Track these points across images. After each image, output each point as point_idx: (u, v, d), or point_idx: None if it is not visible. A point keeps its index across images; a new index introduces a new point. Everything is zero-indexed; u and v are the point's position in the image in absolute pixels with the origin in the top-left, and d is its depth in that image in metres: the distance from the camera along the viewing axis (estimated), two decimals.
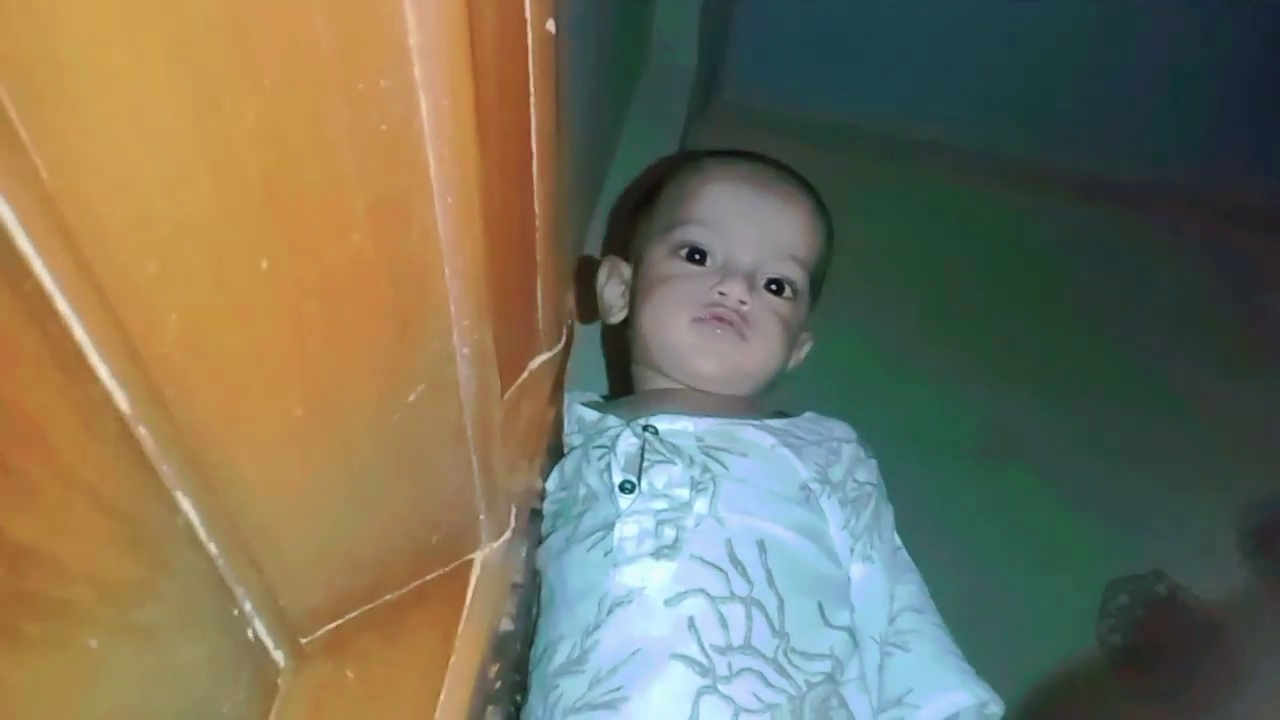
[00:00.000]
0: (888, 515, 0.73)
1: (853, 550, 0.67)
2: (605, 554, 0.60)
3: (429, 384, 0.40)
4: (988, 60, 1.58)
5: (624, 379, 0.84)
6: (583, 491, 0.65)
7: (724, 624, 0.57)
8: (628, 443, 0.65)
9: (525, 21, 0.43)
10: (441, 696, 0.46)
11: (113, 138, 0.24)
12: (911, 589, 0.72)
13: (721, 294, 0.71)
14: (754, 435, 0.67)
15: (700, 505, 0.61)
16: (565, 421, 0.74)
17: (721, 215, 0.74)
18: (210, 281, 0.28)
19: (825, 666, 0.59)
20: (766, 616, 0.58)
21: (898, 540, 0.74)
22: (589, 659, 0.57)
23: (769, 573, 0.60)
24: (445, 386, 0.41)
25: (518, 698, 0.64)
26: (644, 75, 1.39)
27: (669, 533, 0.59)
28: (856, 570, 0.67)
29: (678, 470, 0.62)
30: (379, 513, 0.42)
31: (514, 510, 0.53)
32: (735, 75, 1.62)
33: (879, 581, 0.67)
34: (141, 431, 0.26)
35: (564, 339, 0.60)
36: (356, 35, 0.28)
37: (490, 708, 0.57)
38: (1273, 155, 1.64)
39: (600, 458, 0.65)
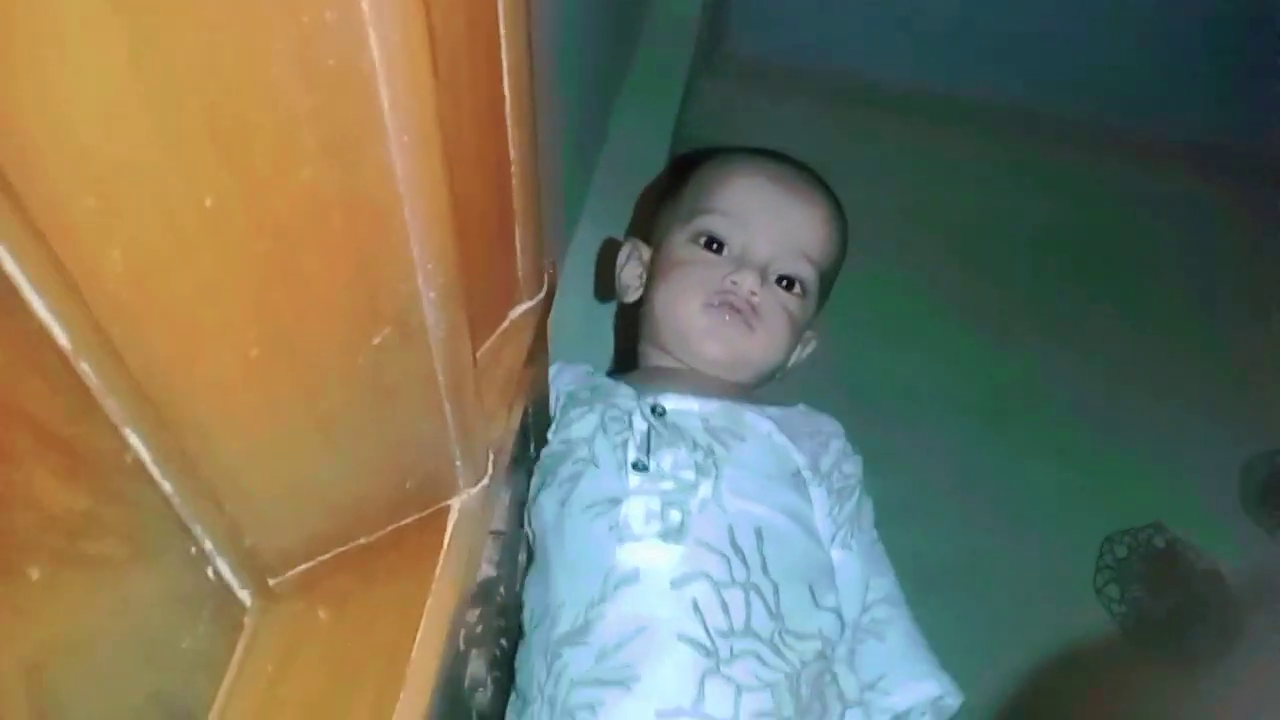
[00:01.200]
0: (868, 509, 0.76)
1: (834, 538, 0.71)
2: (610, 528, 0.62)
3: (394, 327, 0.40)
4: (997, 12, 1.55)
5: (629, 356, 0.87)
6: (583, 453, 0.67)
7: (725, 609, 0.60)
8: (639, 422, 0.68)
9: None
10: (418, 636, 0.47)
11: (42, 71, 0.24)
12: (887, 582, 0.75)
13: (734, 283, 0.74)
14: (754, 420, 0.71)
15: (705, 489, 0.64)
16: (573, 380, 0.77)
17: (742, 208, 0.77)
18: (154, 218, 0.28)
19: (816, 645, 0.62)
20: (764, 601, 0.61)
21: (875, 534, 0.77)
22: (593, 630, 0.59)
23: (764, 560, 0.63)
24: (412, 330, 0.41)
25: (503, 641, 0.65)
26: (646, 26, 1.37)
27: (674, 515, 0.62)
28: (835, 555, 0.70)
29: (683, 453, 0.66)
30: (349, 455, 0.42)
31: (492, 457, 0.53)
32: (739, 26, 1.60)
33: (855, 569, 0.71)
34: (84, 367, 0.27)
35: (546, 288, 0.60)
36: None
37: (474, 650, 0.58)
38: None
39: (619, 433, 0.67)
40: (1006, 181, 1.62)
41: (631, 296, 0.84)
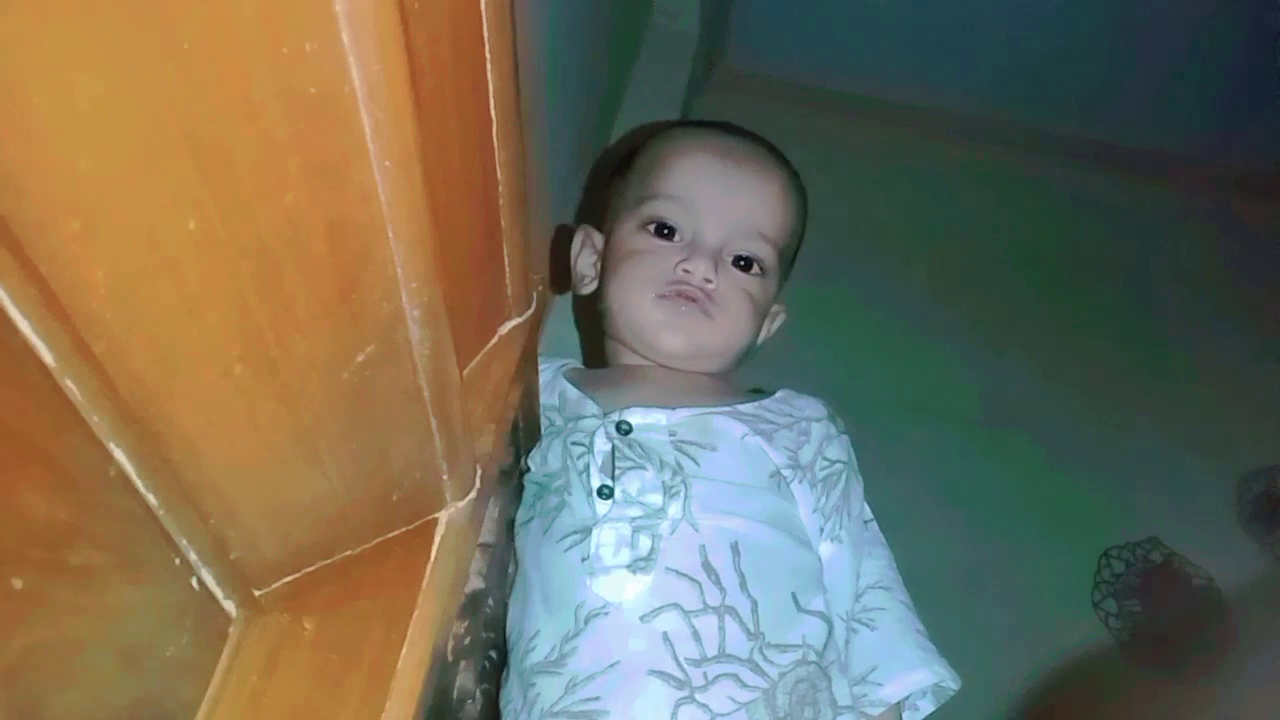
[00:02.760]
0: (857, 490, 0.73)
1: (822, 530, 0.68)
2: (582, 559, 0.61)
3: (378, 344, 0.41)
4: (993, 27, 1.56)
5: (597, 349, 0.85)
6: (560, 482, 0.66)
7: (697, 637, 0.58)
8: (602, 443, 0.65)
9: None
10: (404, 648, 0.47)
11: (26, 97, 0.25)
12: (880, 564, 0.73)
13: (686, 271, 0.71)
14: (725, 425, 0.68)
15: (674, 509, 0.62)
16: (548, 392, 0.75)
17: (689, 190, 0.74)
18: (137, 240, 0.29)
19: (798, 654, 0.60)
20: (740, 622, 0.60)
21: (869, 513, 0.75)
22: (567, 663, 0.59)
23: (742, 577, 0.61)
24: (396, 347, 0.42)
25: (491, 653, 0.65)
26: (645, 41, 1.38)
27: (645, 542, 0.61)
28: (825, 549, 0.68)
29: (649, 475, 0.63)
30: (333, 469, 0.43)
31: (480, 471, 0.54)
32: (738, 41, 1.61)
33: (846, 560, 0.69)
34: (68, 383, 0.28)
35: (534, 305, 0.61)
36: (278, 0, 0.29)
37: (462, 662, 0.59)
38: None
39: (580, 456, 0.65)
40: (1006, 194, 1.63)
41: (588, 288, 0.80)
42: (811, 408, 0.75)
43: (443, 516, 0.53)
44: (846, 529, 0.70)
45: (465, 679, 0.60)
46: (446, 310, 0.43)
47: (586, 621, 0.60)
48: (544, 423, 0.73)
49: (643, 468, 0.64)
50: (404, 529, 0.51)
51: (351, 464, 0.44)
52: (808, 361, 0.87)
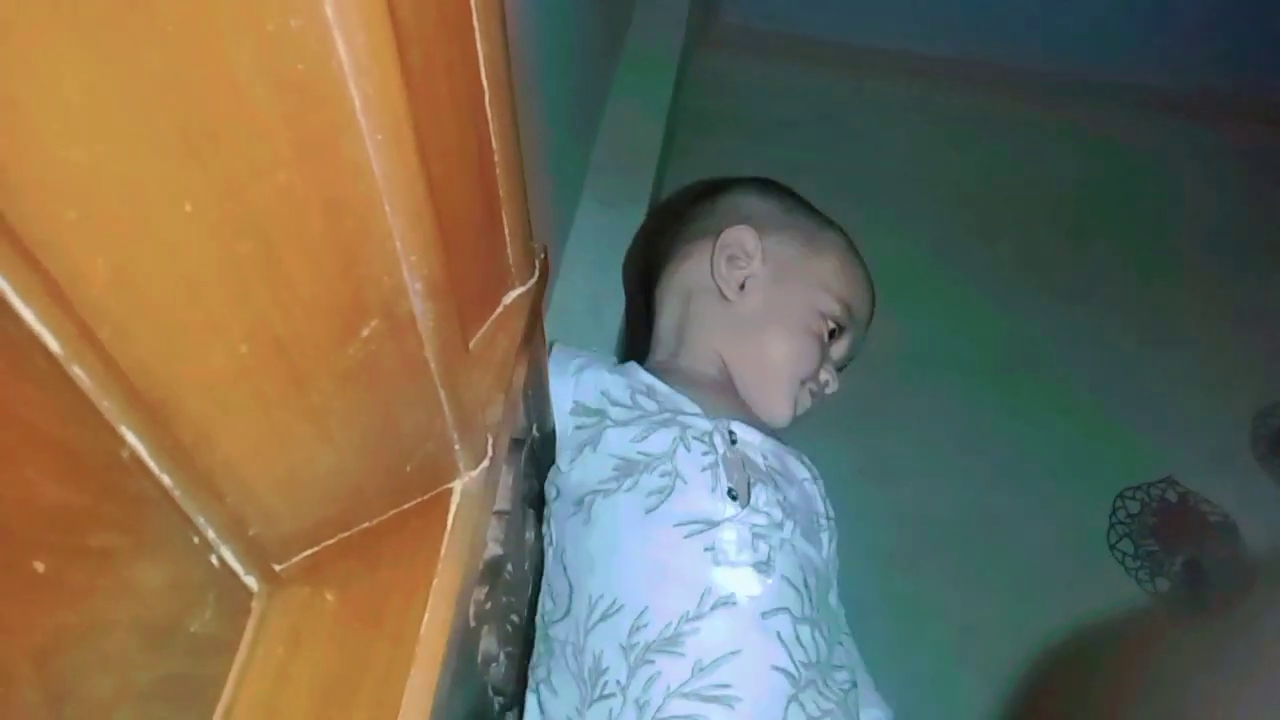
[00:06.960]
0: None
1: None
2: (706, 549, 0.65)
3: (382, 318, 0.41)
4: None
5: (639, 340, 0.90)
6: (668, 466, 0.69)
7: (800, 642, 0.64)
8: (723, 447, 0.71)
9: None
10: (425, 615, 0.48)
11: (12, 92, 0.25)
12: (843, 611, 0.81)
13: (825, 383, 0.85)
14: (796, 467, 0.77)
15: (788, 529, 0.68)
16: (620, 375, 0.78)
17: (859, 316, 0.89)
18: (134, 226, 0.29)
19: (847, 676, 0.68)
20: (823, 636, 0.66)
21: None
22: (685, 643, 0.62)
23: (816, 599, 0.68)
24: (400, 321, 0.42)
25: (513, 617, 0.66)
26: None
27: (763, 548, 0.66)
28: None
29: (771, 491, 0.70)
30: (345, 444, 0.44)
31: (492, 440, 0.55)
32: None
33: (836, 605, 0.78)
34: (76, 370, 0.28)
35: (537, 273, 0.61)
36: None
37: (485, 627, 0.60)
38: None
39: (705, 453, 0.70)
40: (1007, 140, 1.61)
41: (732, 295, 0.85)
42: (815, 469, 0.83)
43: (457, 486, 0.53)
44: (837, 578, 0.78)
45: (489, 643, 0.61)
46: (448, 281, 0.43)
47: (712, 608, 0.63)
48: (627, 403, 0.76)
49: (767, 483, 0.70)
50: (419, 499, 0.51)
51: (363, 437, 0.45)
52: None
